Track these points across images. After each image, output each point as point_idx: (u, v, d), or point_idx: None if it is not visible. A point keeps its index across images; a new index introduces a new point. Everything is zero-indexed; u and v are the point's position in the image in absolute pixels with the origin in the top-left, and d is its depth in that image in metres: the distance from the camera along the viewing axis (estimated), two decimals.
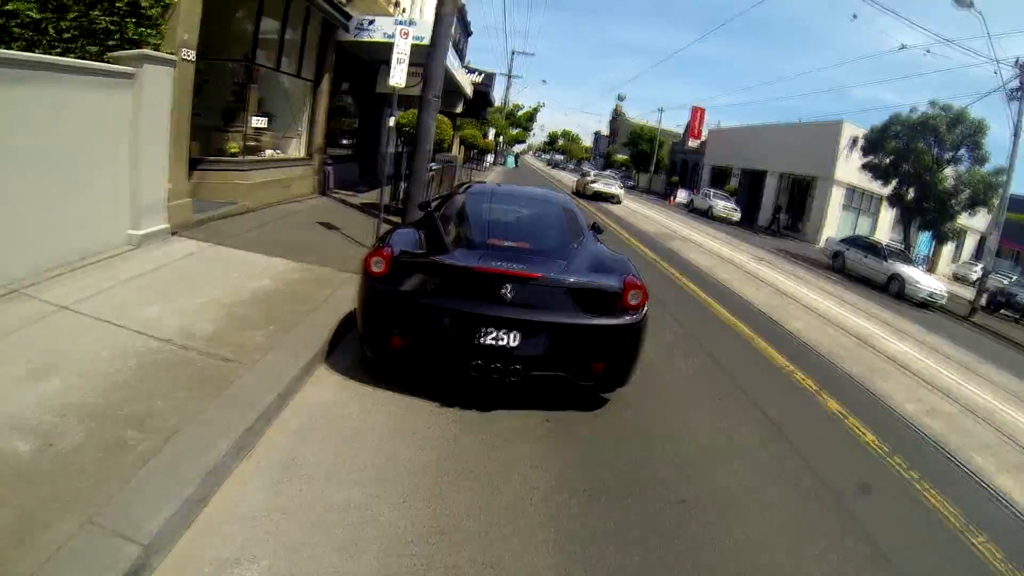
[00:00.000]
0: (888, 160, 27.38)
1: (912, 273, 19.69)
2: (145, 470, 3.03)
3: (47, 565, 2.35)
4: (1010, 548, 4.50)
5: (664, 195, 53.44)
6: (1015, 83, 19.62)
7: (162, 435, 3.33)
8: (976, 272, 24.31)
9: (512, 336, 4.26)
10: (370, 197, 12.95)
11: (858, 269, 21.58)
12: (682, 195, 45.99)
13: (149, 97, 6.24)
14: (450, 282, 4.41)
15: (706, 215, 37.20)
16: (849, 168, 34.03)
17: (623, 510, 3.77)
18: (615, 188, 32.55)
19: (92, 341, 4.16)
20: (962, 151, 25.41)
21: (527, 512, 3.57)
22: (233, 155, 9.85)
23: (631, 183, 62.45)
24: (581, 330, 4.39)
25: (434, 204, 6.42)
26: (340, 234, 9.05)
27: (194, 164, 8.19)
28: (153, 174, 6.52)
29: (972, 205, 25.15)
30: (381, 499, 3.41)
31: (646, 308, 4.69)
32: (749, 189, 44.43)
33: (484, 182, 8.38)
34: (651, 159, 66.57)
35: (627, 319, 4.52)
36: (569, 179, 49.62)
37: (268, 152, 11.27)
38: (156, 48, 6.54)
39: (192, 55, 7.30)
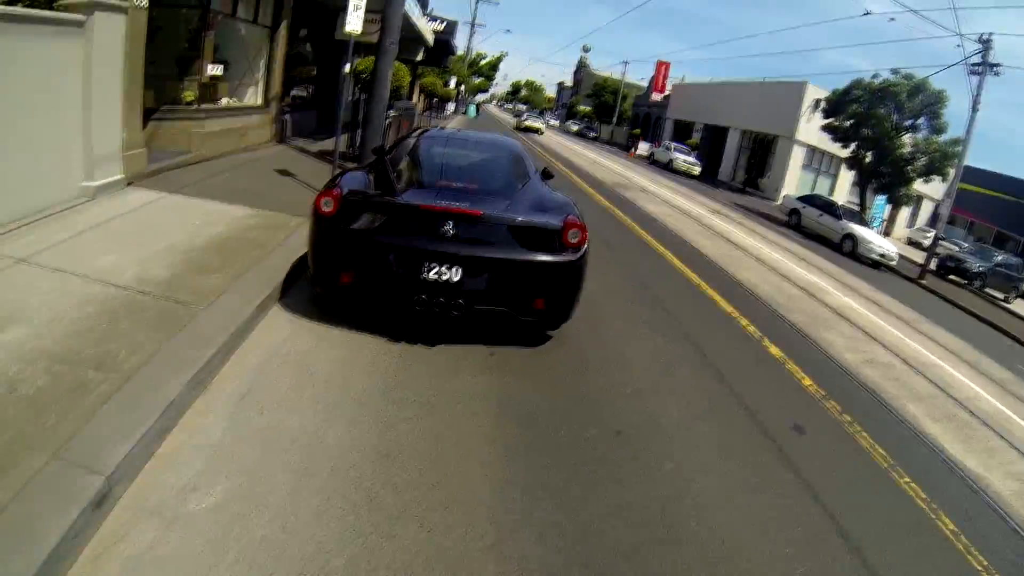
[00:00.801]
0: (848, 123, 28.12)
1: (865, 233, 20.29)
2: (106, 407, 3.20)
3: (16, 499, 2.51)
4: (932, 487, 4.87)
5: (626, 147, 53.59)
6: (977, 58, 20.12)
7: (122, 375, 3.51)
8: (929, 237, 25.20)
9: (455, 271, 4.45)
10: (328, 145, 12.88)
11: (813, 227, 22.16)
12: (643, 147, 46.29)
13: (100, 46, 6.15)
14: (396, 220, 4.59)
15: (667, 168, 37.61)
16: (811, 129, 34.65)
17: (559, 437, 4.06)
18: (539, 123, 49.85)
19: (51, 291, 4.28)
20: (921, 120, 26.40)
21: (468, 436, 3.84)
22: (188, 104, 9.74)
23: (593, 134, 63.22)
24: (521, 266, 4.58)
25: (388, 148, 6.50)
26: (296, 181, 9.13)
27: (148, 114, 8.11)
28: (107, 125, 6.50)
29: (928, 172, 26.04)
30: (331, 425, 3.66)
31: (586, 246, 4.87)
32: (711, 144, 44.89)
33: (442, 128, 8.46)
34: (614, 111, 66.32)
35: (566, 256, 4.69)
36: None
37: (224, 100, 11.13)
38: None
39: (144, 1, 7.12)
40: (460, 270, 4.46)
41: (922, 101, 25.61)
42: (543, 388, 4.61)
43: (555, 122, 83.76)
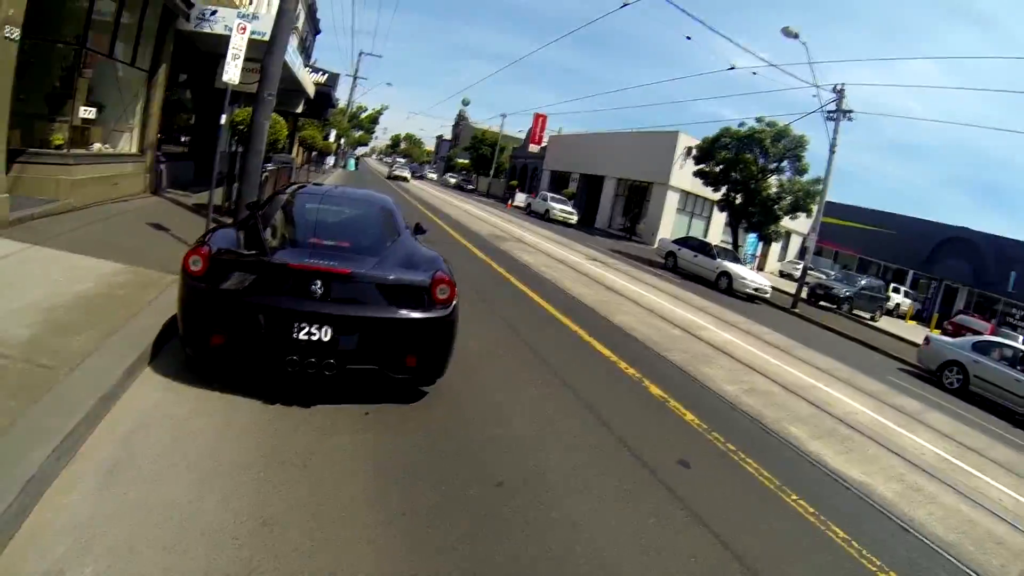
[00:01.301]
0: (719, 168, 30.53)
1: (739, 270, 21.83)
2: None
3: None
4: (819, 501, 5.27)
5: (503, 198, 55.11)
6: (832, 105, 22.52)
7: None
8: (799, 269, 27.84)
9: (324, 331, 4.42)
10: (204, 197, 12.48)
11: (690, 267, 23.47)
12: (520, 198, 47.61)
13: None
14: (266, 279, 4.54)
15: (543, 217, 38.74)
16: (683, 175, 37.07)
17: (441, 493, 4.08)
18: (406, 172, 56.94)
19: None
20: (785, 163, 29.03)
21: (349, 498, 3.80)
22: (58, 147, 9.21)
23: (471, 187, 65.13)
24: (391, 324, 4.62)
25: (261, 204, 6.47)
26: (170, 236, 8.80)
27: (13, 155, 7.61)
28: None
29: (794, 210, 28.64)
30: (207, 495, 3.53)
31: (455, 301, 4.96)
32: (587, 193, 46.90)
33: (320, 184, 8.43)
34: (491, 163, 68.35)
35: (436, 313, 4.76)
36: (414, 186, 51.98)
37: (96, 146, 10.62)
38: None
39: (16, 33, 6.75)
40: (330, 330, 4.43)
41: (785, 145, 28.29)
42: (421, 444, 4.61)
43: (433, 175, 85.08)
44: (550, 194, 42.34)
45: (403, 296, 4.73)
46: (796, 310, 21.45)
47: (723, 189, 30.95)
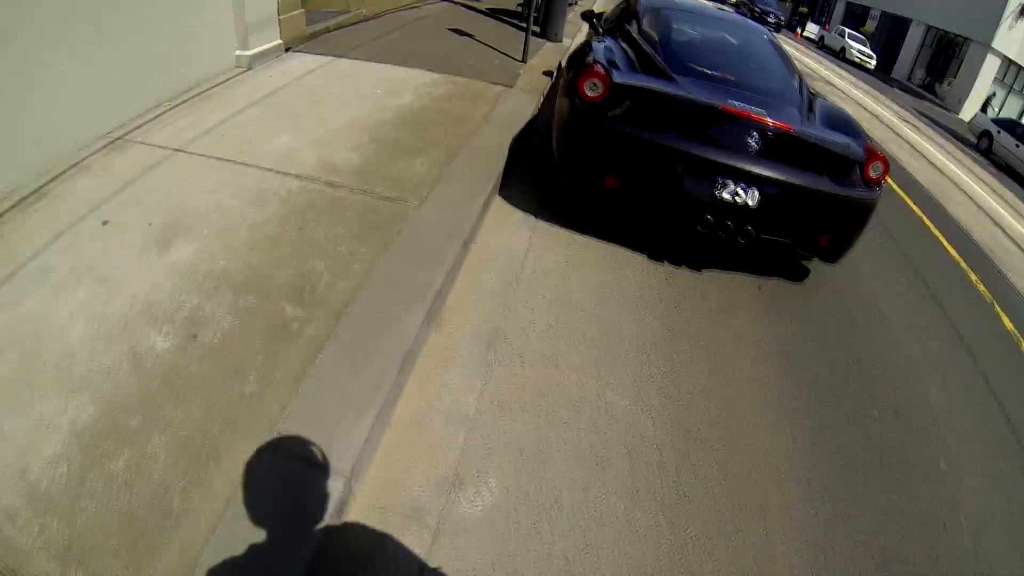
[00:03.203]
0: None
1: None
2: (320, 364, 2.18)
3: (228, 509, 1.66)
4: None
5: (789, 25, 47.72)
6: None
7: (331, 310, 2.44)
8: None
9: (751, 193, 3.53)
10: (495, 2, 11.17)
11: (1007, 156, 18.33)
12: (811, 29, 40.74)
13: None
14: (684, 119, 3.56)
15: (838, 56, 32.85)
16: (1012, 37, 28.27)
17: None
18: None
19: (218, 188, 3.22)
20: None
21: (764, 406, 2.87)
22: None
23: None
24: (822, 198, 3.65)
25: (605, 16, 5.66)
26: (477, 42, 7.57)
27: None
28: None
29: None
30: (611, 385, 2.65)
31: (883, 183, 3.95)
32: (887, 35, 38.33)
33: None
34: None
35: (867, 194, 3.78)
36: None
37: None
38: None
39: None
40: (757, 192, 3.52)
41: None
42: (823, 338, 3.64)
43: None
44: (847, 30, 35.75)
45: (835, 166, 3.75)
46: None
47: None
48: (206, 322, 2.29)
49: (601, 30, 5.32)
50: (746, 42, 4.93)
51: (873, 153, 3.83)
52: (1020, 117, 27.54)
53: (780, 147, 3.57)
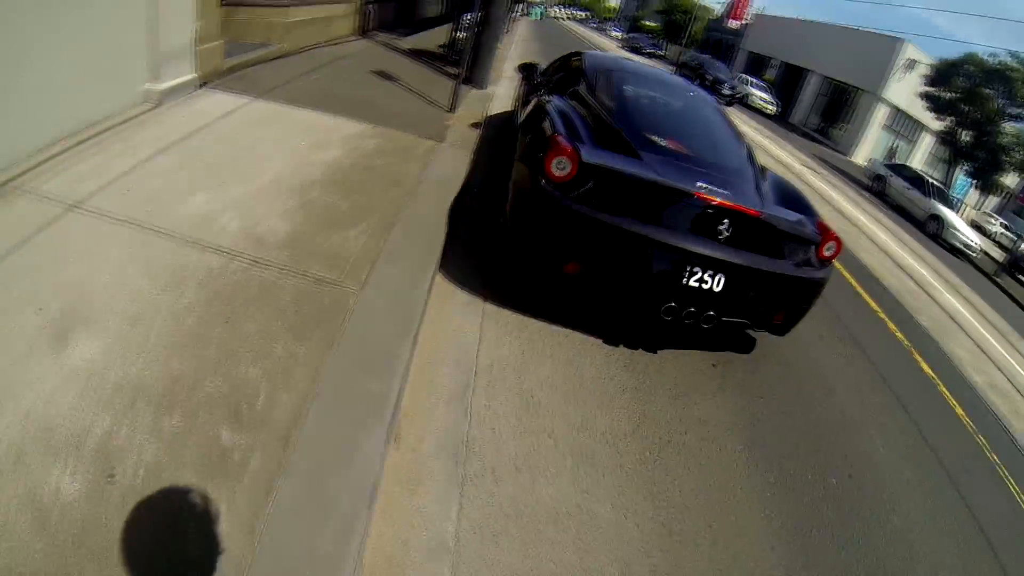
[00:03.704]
0: (951, 96, 25.81)
1: (953, 219, 18.21)
2: (275, 510, 1.89)
3: None
4: None
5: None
6: None
7: (276, 433, 2.16)
8: (994, 223, 24.78)
9: (717, 280, 3.51)
10: (417, 42, 10.92)
11: (898, 199, 20.17)
12: None
13: None
14: (653, 203, 3.47)
15: (740, 101, 34.82)
16: (900, 89, 31.72)
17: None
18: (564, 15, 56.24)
19: (125, 263, 2.79)
20: None
21: (734, 496, 2.95)
22: None
23: (660, 52, 59.61)
24: (783, 281, 3.72)
25: (542, 70, 5.67)
26: (402, 87, 7.30)
27: None
28: (177, 10, 4.86)
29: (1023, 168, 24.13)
30: (592, 495, 2.55)
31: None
32: (785, 84, 41.41)
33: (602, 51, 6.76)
34: (684, 31, 62.46)
35: (822, 273, 3.90)
36: (599, 38, 48.68)
37: None
38: None
39: None
40: (722, 279, 3.51)
41: None
42: (782, 411, 3.86)
43: (618, 33, 78.69)
44: (750, 77, 37.90)
45: (794, 248, 3.82)
46: (998, 280, 16.49)
47: (948, 121, 26.23)
48: (122, 454, 1.91)
49: (543, 88, 5.23)
50: (697, 111, 5.00)
51: (827, 232, 3.92)
52: (906, 161, 30.20)
53: (746, 232, 3.58)
